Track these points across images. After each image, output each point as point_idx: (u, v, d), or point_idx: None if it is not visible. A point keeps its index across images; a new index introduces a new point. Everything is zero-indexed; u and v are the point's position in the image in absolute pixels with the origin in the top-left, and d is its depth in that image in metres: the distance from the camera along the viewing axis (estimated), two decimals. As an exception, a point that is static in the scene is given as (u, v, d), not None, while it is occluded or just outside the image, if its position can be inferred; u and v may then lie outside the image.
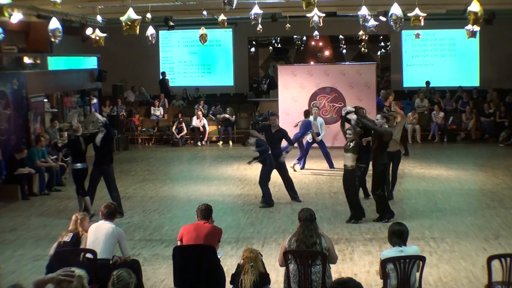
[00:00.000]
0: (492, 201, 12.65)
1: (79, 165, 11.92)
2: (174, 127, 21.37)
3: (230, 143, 21.23)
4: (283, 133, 12.89)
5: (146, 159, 18.85)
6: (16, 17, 13.41)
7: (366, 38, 24.69)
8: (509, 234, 10.31)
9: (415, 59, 25.16)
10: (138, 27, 10.46)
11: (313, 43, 28.93)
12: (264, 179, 12.50)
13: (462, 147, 19.91)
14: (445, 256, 9.27)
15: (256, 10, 12.26)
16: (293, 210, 11.75)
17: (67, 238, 7.64)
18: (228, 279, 7.14)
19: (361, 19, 13.12)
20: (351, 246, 9.80)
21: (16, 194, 13.76)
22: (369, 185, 12.16)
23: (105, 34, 15.63)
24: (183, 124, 21.33)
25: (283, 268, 6.98)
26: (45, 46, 18.56)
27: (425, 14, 10.95)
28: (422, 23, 10.96)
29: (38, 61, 17.38)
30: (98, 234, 7.59)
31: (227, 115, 21.52)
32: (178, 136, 21.18)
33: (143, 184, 15.03)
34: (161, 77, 24.83)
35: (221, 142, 21.44)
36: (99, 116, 12.80)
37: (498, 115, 20.62)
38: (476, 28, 13.42)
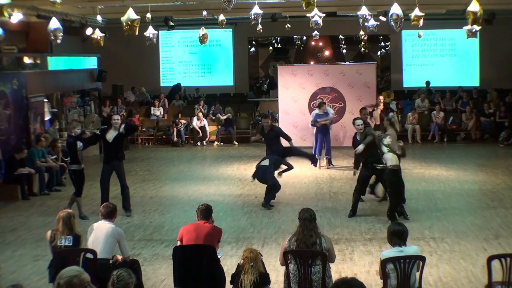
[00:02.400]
0: (492, 201, 12.65)
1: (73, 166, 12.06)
2: (175, 128, 21.39)
3: (236, 143, 21.13)
4: (276, 132, 13.02)
5: (146, 159, 18.84)
6: (16, 17, 13.40)
7: (366, 38, 24.73)
8: (509, 234, 10.31)
9: (415, 59, 25.18)
10: (137, 27, 10.46)
11: (313, 43, 28.94)
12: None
13: (462, 147, 19.90)
14: (445, 256, 9.27)
15: (256, 10, 12.26)
16: (293, 210, 11.74)
17: (67, 242, 7.49)
18: (228, 279, 7.14)
19: (361, 19, 13.11)
20: (351, 246, 9.81)
21: (16, 194, 13.75)
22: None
23: (103, 34, 15.63)
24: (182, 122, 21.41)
25: (283, 268, 6.98)
26: (45, 46, 18.56)
27: (423, 14, 10.95)
28: (421, 24, 10.97)
29: (38, 61, 17.39)
30: (97, 234, 7.59)
31: (222, 117, 21.44)
32: (175, 138, 21.18)
33: (143, 184, 15.02)
34: (175, 83, 24.86)
35: (216, 143, 21.33)
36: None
37: (498, 115, 20.62)
38: (477, 28, 13.42)
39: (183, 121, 21.45)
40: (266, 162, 12.43)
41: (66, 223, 7.54)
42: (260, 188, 12.85)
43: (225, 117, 21.41)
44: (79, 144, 12.06)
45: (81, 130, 13.15)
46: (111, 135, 11.99)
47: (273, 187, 12.41)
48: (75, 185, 12.09)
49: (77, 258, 7.20)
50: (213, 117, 21.92)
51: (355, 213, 11.56)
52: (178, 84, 24.86)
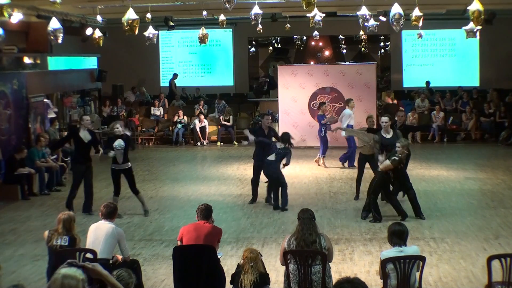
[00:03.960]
0: (492, 201, 12.65)
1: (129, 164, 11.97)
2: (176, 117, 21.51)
3: (235, 143, 21.13)
4: (274, 132, 12.93)
5: (146, 159, 18.84)
6: (16, 17, 13.41)
7: (366, 38, 24.74)
8: (509, 234, 10.31)
9: (415, 59, 25.18)
10: (137, 27, 10.46)
11: (313, 43, 28.94)
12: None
13: (462, 147, 19.90)
14: (445, 256, 9.27)
15: (256, 10, 12.26)
16: (293, 210, 11.74)
17: (63, 241, 7.53)
18: (228, 279, 7.14)
19: (361, 19, 13.11)
20: (351, 246, 9.81)
21: (16, 194, 13.75)
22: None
23: (101, 34, 15.63)
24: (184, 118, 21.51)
25: (283, 268, 6.98)
26: (45, 46, 18.56)
27: (422, 14, 10.95)
28: (420, 24, 10.97)
29: (38, 61, 17.39)
30: (98, 234, 7.59)
31: (228, 123, 21.39)
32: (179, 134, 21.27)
33: (143, 184, 14.99)
34: (171, 77, 24.84)
35: (219, 143, 21.37)
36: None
37: (498, 115, 20.62)
38: (478, 27, 13.41)
39: (185, 117, 21.53)
40: (272, 157, 12.03)
41: (65, 225, 7.57)
42: (261, 188, 12.83)
43: (231, 123, 21.34)
44: (120, 143, 11.76)
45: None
46: (84, 135, 12.05)
47: (282, 186, 12.25)
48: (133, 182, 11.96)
49: (75, 258, 7.20)
50: (219, 115, 21.87)
51: (368, 214, 11.36)
52: (174, 74, 24.77)
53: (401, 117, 12.90)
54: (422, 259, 6.60)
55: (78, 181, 12.21)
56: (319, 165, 16.54)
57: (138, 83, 24.83)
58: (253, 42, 27.73)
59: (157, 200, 13.37)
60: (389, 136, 11.46)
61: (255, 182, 12.67)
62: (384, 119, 11.68)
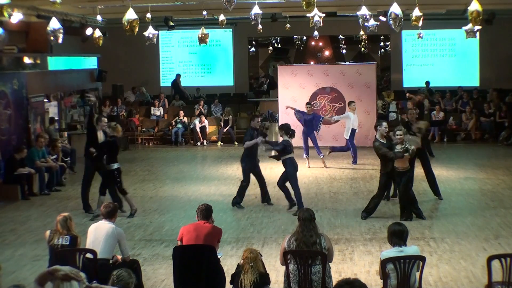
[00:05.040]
0: (492, 201, 12.66)
1: (115, 165, 11.91)
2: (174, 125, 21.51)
3: (236, 143, 21.09)
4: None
5: (146, 159, 18.84)
6: (16, 17, 13.41)
7: (366, 38, 24.75)
8: (509, 234, 10.31)
9: (415, 59, 25.19)
10: (137, 27, 10.45)
11: (313, 43, 28.95)
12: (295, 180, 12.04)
13: (462, 147, 19.90)
14: (445, 256, 9.27)
15: (256, 10, 12.26)
16: (293, 210, 11.77)
17: (64, 241, 7.57)
18: (228, 279, 7.14)
19: (361, 19, 13.11)
20: (351, 246, 9.81)
21: (16, 194, 13.75)
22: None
23: (101, 34, 15.62)
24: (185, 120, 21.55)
25: (283, 268, 6.98)
26: (45, 46, 18.54)
27: (421, 14, 10.96)
28: (420, 24, 10.98)
29: (38, 61, 17.38)
30: (98, 234, 7.59)
31: (227, 127, 21.39)
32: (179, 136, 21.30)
33: (143, 184, 15.02)
34: (174, 77, 24.86)
35: (219, 143, 21.36)
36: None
37: (498, 115, 20.62)
38: (477, 27, 13.41)
39: (185, 117, 21.55)
40: (292, 154, 11.94)
41: (63, 226, 7.63)
42: (258, 188, 12.81)
43: (231, 123, 21.35)
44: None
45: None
46: (100, 135, 12.08)
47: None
48: (119, 183, 11.93)
49: (75, 258, 7.21)
50: (215, 115, 21.91)
51: (369, 215, 11.40)
52: (178, 75, 24.81)
53: (412, 114, 12.91)
54: (422, 259, 6.60)
55: (89, 176, 12.34)
56: (309, 167, 16.38)
57: (140, 83, 24.80)
58: (253, 42, 27.73)
59: (157, 200, 13.37)
60: (384, 141, 11.58)
61: (246, 186, 12.47)
62: (385, 124, 11.77)
